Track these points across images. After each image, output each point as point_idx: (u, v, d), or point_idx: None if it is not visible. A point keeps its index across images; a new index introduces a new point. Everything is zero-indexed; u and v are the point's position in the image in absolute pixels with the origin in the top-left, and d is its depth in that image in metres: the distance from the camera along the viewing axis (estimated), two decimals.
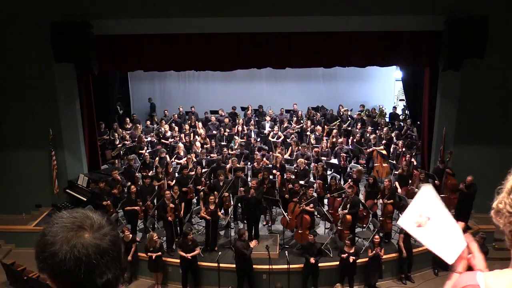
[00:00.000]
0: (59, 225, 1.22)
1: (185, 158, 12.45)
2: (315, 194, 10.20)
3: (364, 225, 10.47)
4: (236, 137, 14.05)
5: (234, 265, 9.07)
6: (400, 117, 15.64)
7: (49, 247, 1.19)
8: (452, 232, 1.54)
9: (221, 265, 8.97)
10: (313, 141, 13.95)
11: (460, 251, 1.52)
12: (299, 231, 9.81)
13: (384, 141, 13.22)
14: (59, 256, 1.17)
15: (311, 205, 9.89)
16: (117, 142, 13.80)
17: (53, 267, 1.19)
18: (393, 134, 13.66)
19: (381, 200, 10.28)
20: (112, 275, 1.22)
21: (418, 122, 13.26)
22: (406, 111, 15.91)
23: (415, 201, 1.57)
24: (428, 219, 1.53)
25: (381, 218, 10.22)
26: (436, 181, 10.94)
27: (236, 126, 14.79)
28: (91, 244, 1.20)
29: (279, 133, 14.27)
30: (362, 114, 15.48)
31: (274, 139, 14.02)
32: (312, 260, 8.76)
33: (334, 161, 12.79)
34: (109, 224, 1.28)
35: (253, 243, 8.77)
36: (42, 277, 8.78)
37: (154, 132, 14.55)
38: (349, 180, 11.49)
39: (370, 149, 13.04)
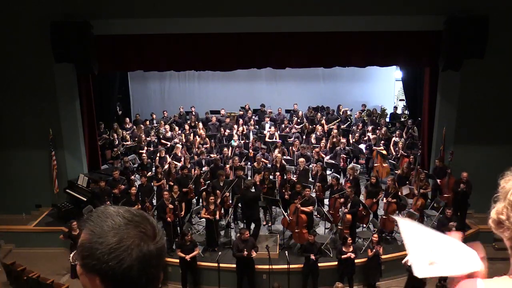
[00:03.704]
0: (122, 228, 1.16)
1: (183, 158, 12.46)
2: (313, 195, 10.20)
3: (364, 225, 10.48)
4: (235, 136, 14.05)
5: (234, 265, 9.07)
6: (402, 117, 15.60)
7: (114, 250, 1.12)
8: (456, 244, 1.51)
9: (221, 265, 8.97)
10: (313, 141, 13.96)
11: (475, 255, 1.48)
12: (296, 230, 9.82)
13: (382, 141, 13.24)
14: (126, 263, 1.12)
15: (311, 207, 9.89)
16: (116, 143, 13.78)
17: (114, 271, 1.12)
18: (394, 134, 13.66)
19: (384, 199, 10.30)
20: (158, 282, 1.22)
21: (419, 118, 13.25)
22: (406, 111, 15.90)
23: (405, 241, 1.53)
24: (431, 251, 1.49)
25: (384, 217, 10.22)
26: (438, 181, 10.97)
27: (237, 126, 14.79)
28: (154, 254, 1.17)
29: (276, 133, 14.26)
30: (362, 114, 15.48)
31: (272, 140, 13.99)
32: (313, 256, 8.75)
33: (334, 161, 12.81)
34: (163, 231, 1.28)
35: (253, 253, 8.75)
36: (42, 277, 8.78)
37: (154, 132, 14.55)
38: (346, 180, 11.49)
39: (365, 150, 13.09)
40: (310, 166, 12.23)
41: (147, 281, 1.16)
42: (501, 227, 1.31)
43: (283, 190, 10.66)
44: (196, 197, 11.32)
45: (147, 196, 10.47)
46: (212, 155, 13.05)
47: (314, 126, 14.68)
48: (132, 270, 1.12)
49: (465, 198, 10.31)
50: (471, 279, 1.41)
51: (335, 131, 13.79)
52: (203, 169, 12.03)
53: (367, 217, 10.35)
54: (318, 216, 10.72)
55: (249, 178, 11.59)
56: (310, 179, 11.55)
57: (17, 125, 11.35)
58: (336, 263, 9.15)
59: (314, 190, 11.13)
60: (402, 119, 15.14)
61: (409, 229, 1.56)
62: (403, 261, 8.70)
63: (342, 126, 15.00)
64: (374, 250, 8.99)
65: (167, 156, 12.78)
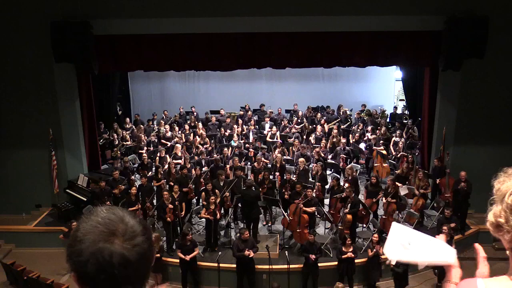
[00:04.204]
0: (93, 224, 1.17)
1: (183, 158, 12.47)
2: (314, 195, 10.21)
3: (365, 225, 10.48)
4: (235, 136, 14.06)
5: (234, 265, 9.07)
6: (403, 118, 15.54)
7: (77, 243, 1.15)
8: (436, 242, 1.57)
9: (221, 265, 8.97)
10: (313, 141, 13.96)
11: (452, 251, 1.53)
12: (298, 230, 9.82)
13: (381, 141, 13.25)
14: (83, 257, 1.13)
15: (313, 208, 9.88)
16: (116, 143, 13.80)
17: (76, 265, 1.15)
18: (394, 134, 13.66)
19: (384, 199, 10.29)
20: (133, 284, 1.16)
21: (419, 118, 13.26)
22: (406, 111, 15.91)
23: (389, 235, 1.62)
24: (409, 244, 1.56)
25: (384, 217, 10.22)
26: (437, 180, 10.97)
27: (237, 126, 14.80)
28: (117, 253, 1.13)
29: (277, 133, 14.27)
30: (362, 114, 15.47)
31: (273, 139, 14.01)
32: (312, 256, 8.76)
33: (333, 161, 12.82)
34: (144, 233, 1.20)
35: (251, 253, 8.73)
36: (42, 277, 8.79)
37: (155, 132, 14.56)
38: (345, 180, 11.49)
39: (365, 149, 13.08)
40: (310, 166, 12.23)
41: (106, 279, 1.13)
42: (500, 230, 1.31)
43: (283, 190, 10.66)
44: (196, 197, 11.33)
45: (147, 196, 10.48)
46: (213, 154, 13.06)
47: (314, 126, 14.68)
48: (88, 265, 1.13)
49: (466, 198, 10.32)
50: (471, 278, 1.41)
51: (335, 131, 13.79)
52: (203, 169, 12.03)
53: (367, 217, 10.35)
54: (318, 216, 10.72)
55: (249, 178, 11.59)
56: (310, 179, 11.55)
57: (17, 125, 11.34)
58: (336, 263, 9.15)
59: (314, 190, 11.13)
60: (404, 121, 15.09)
61: (399, 228, 1.63)
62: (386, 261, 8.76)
63: (342, 126, 15.00)
64: (374, 250, 8.99)
65: (167, 156, 12.79)
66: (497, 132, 11.04)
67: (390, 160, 12.86)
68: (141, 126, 14.75)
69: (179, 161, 12.55)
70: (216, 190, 10.24)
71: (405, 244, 1.55)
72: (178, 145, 13.09)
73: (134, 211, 9.80)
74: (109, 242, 1.14)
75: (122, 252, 1.14)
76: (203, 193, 10.32)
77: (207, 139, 14.11)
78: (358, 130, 14.18)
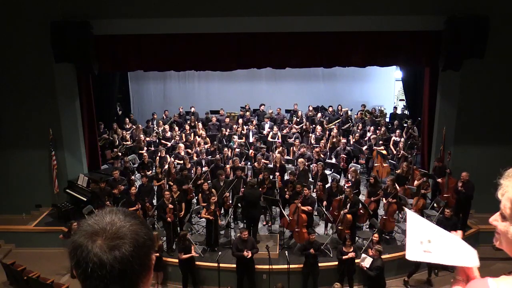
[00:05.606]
0: (89, 221, 1.22)
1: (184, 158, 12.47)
2: (313, 195, 10.21)
3: (363, 224, 10.48)
4: (235, 136, 14.06)
5: (234, 265, 9.07)
6: (404, 122, 15.50)
7: (73, 236, 1.22)
8: (456, 241, 1.54)
9: (221, 265, 8.97)
10: (313, 141, 13.96)
11: (475, 254, 1.51)
12: (296, 230, 9.83)
13: (381, 141, 13.24)
14: (70, 248, 1.19)
15: (310, 207, 9.88)
16: (117, 144, 13.79)
17: (68, 256, 1.21)
18: (393, 134, 13.66)
19: (384, 199, 10.29)
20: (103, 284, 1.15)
21: (419, 118, 13.25)
22: (405, 111, 15.90)
23: (408, 230, 1.58)
24: (429, 241, 1.53)
25: (384, 217, 10.22)
26: (438, 180, 10.97)
27: (236, 126, 14.80)
28: (94, 253, 1.14)
29: (278, 133, 14.27)
30: (362, 114, 15.46)
31: (274, 139, 14.01)
32: (312, 251, 8.74)
33: (333, 161, 12.82)
34: (132, 237, 1.18)
35: (249, 254, 8.72)
36: (42, 277, 8.79)
37: (155, 133, 14.55)
38: (346, 180, 11.49)
39: (366, 149, 13.07)
40: (311, 166, 12.22)
41: (82, 274, 1.16)
42: None
43: (285, 189, 10.65)
44: (196, 197, 11.33)
45: (147, 196, 10.47)
46: (215, 155, 13.06)
47: (314, 126, 14.68)
48: (70, 257, 1.19)
49: (467, 199, 10.28)
50: (482, 278, 1.40)
51: (335, 131, 13.79)
52: (203, 169, 12.03)
53: (365, 216, 10.35)
54: (315, 214, 10.72)
55: (249, 178, 11.59)
56: (310, 179, 11.55)
57: (17, 125, 11.34)
58: (336, 263, 9.15)
59: (314, 190, 11.13)
60: (405, 125, 15.03)
61: (415, 220, 1.60)
62: (360, 263, 8.73)
63: (343, 127, 14.99)
64: (374, 250, 8.98)
65: (167, 156, 12.79)
66: (497, 132, 11.04)
67: (390, 160, 12.87)
68: (139, 126, 14.71)
69: (181, 162, 12.53)
70: (213, 190, 10.24)
71: (425, 243, 1.52)
72: (181, 145, 13.10)
73: (134, 211, 9.78)
74: (91, 240, 1.17)
75: (97, 252, 1.15)
76: (200, 194, 10.32)
77: (207, 139, 14.12)
78: (358, 130, 14.17)
